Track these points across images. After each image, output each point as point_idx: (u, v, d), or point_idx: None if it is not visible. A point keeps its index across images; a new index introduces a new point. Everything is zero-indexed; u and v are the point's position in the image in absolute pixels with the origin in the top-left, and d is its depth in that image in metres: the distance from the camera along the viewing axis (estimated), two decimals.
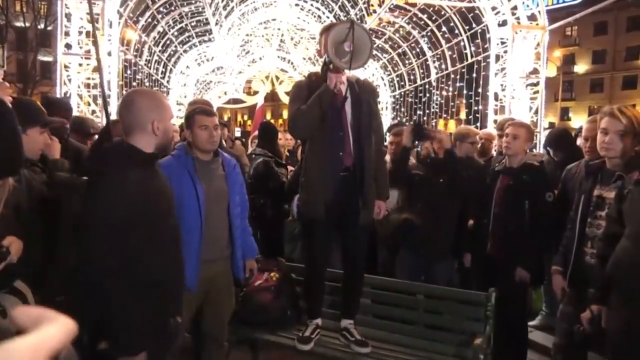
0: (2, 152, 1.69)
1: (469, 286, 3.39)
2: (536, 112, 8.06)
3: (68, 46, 7.14)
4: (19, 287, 1.86)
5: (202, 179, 2.65)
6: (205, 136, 2.66)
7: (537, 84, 8.03)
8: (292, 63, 16.89)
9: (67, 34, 7.11)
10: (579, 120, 33.69)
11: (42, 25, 26.38)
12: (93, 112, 7.22)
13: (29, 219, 1.91)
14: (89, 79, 7.26)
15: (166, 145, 2.15)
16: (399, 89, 14.48)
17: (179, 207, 2.34)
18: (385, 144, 4.21)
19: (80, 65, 7.23)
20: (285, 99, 17.17)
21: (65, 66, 7.16)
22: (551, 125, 31.11)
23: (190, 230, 2.55)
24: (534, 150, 6.38)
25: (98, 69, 2.78)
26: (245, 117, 50.39)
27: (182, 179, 2.57)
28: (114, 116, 3.57)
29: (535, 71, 8.01)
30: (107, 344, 1.87)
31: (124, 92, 8.80)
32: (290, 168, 4.57)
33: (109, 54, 7.12)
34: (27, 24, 27.01)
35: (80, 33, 7.17)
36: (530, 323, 4.33)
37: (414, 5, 11.18)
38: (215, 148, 2.75)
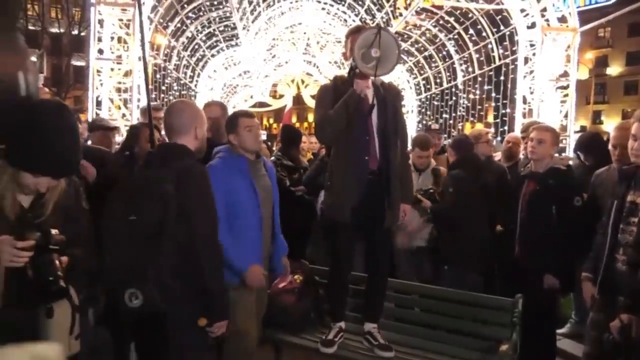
0: (62, 152, 1.76)
1: (493, 292, 3.35)
2: (566, 116, 7.88)
3: (100, 51, 7.34)
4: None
5: (254, 179, 2.75)
6: (251, 137, 2.74)
7: (567, 87, 7.86)
8: (317, 67, 16.96)
9: (99, 39, 7.32)
10: (611, 123, 32.72)
11: (76, 31, 27.16)
12: (123, 115, 7.40)
13: (77, 223, 1.95)
14: (119, 83, 7.44)
15: (201, 150, 2.38)
16: (425, 92, 14.37)
17: (235, 205, 2.61)
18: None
19: (112, 70, 7.42)
20: (311, 102, 17.25)
21: (98, 71, 7.36)
22: (582, 128, 30.31)
23: (252, 226, 2.69)
24: (563, 154, 6.25)
25: (146, 85, 2.93)
26: (271, 121, 50.78)
27: (235, 179, 2.66)
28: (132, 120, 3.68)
29: (565, 74, 7.84)
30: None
31: (154, 95, 9.00)
32: None
33: (140, 58, 7.28)
34: (62, 30, 27.84)
35: (112, 39, 7.37)
36: (559, 331, 4.23)
37: (440, 8, 11.09)
38: (260, 148, 2.88)
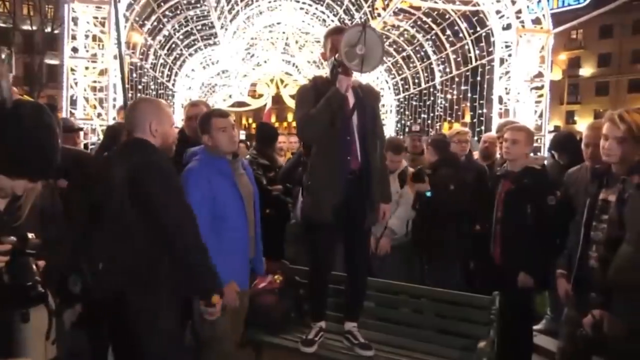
0: (40, 154, 1.71)
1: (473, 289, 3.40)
2: (541, 116, 8.04)
3: (75, 50, 7.20)
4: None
5: (236, 179, 2.71)
6: (226, 138, 2.67)
7: (541, 88, 8.01)
8: (296, 66, 16.94)
9: (73, 37, 7.17)
10: (584, 123, 33.51)
11: (49, 29, 26.56)
12: (99, 114, 7.27)
13: (52, 225, 1.92)
14: (95, 82, 7.31)
15: (166, 149, 2.32)
16: (404, 92, 14.49)
17: (220, 208, 2.56)
18: None
19: (87, 68, 7.28)
20: (290, 102, 17.21)
21: (72, 69, 7.21)
22: (556, 128, 30.99)
23: (238, 228, 2.66)
24: (538, 153, 6.38)
25: (122, 84, 2.89)
26: (250, 120, 50.49)
27: (218, 181, 2.60)
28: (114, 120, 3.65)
29: (539, 74, 7.99)
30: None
31: (130, 94, 8.86)
32: None
33: (115, 57, 7.16)
34: (34, 27, 27.18)
35: (86, 37, 7.23)
36: (535, 327, 4.31)
37: (418, 9, 11.20)
38: (236, 148, 2.79)
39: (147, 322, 2.16)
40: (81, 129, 4.15)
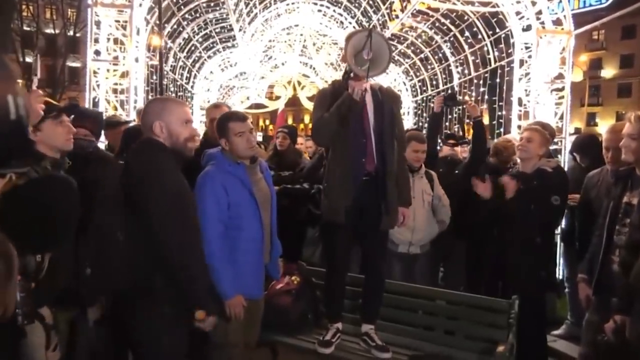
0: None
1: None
2: (561, 118, 7.92)
3: (97, 53, 7.32)
4: (41, 312, 1.95)
5: (253, 186, 2.63)
6: (243, 143, 2.59)
7: (562, 89, 7.89)
8: (314, 68, 16.98)
9: (96, 40, 7.29)
10: (605, 125, 32.83)
11: (71, 32, 27.06)
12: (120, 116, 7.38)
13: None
14: (116, 84, 7.42)
15: (179, 148, 2.27)
16: (421, 94, 14.40)
17: (235, 218, 2.50)
18: None
19: (108, 71, 7.39)
20: (307, 104, 17.26)
21: (94, 72, 7.33)
22: (577, 130, 30.49)
23: (254, 238, 2.60)
24: (559, 156, 6.29)
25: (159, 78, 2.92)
26: (267, 122, 50.76)
27: (232, 188, 2.53)
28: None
29: (560, 76, 7.87)
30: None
31: (150, 96, 9.00)
32: None
33: (136, 60, 7.27)
34: (57, 31, 27.73)
35: (108, 40, 7.35)
36: (555, 332, 4.26)
37: (436, 10, 11.12)
38: (254, 153, 2.70)
39: (148, 335, 2.16)
40: (127, 122, 4.27)
